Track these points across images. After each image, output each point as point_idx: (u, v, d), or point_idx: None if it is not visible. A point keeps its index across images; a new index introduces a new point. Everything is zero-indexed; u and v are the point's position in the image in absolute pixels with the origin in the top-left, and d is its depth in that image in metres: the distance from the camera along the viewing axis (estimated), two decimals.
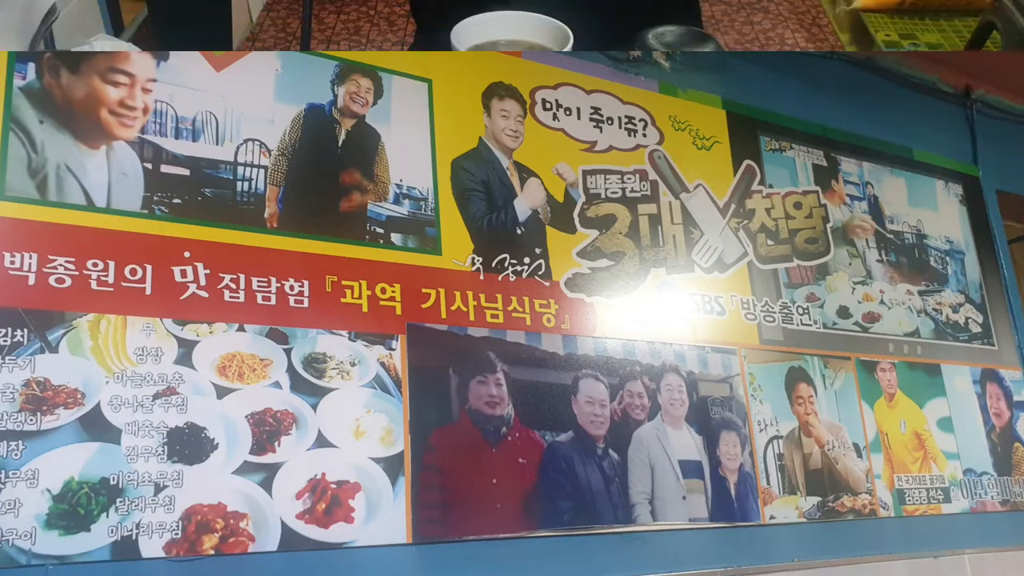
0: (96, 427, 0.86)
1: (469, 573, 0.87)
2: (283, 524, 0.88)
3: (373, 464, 0.96)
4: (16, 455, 0.82)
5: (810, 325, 1.36)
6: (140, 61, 1.01)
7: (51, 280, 0.89)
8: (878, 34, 3.57)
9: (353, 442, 0.96)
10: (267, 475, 0.91)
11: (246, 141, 1.07)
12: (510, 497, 1.02)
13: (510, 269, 1.15)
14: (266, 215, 1.04)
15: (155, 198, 0.98)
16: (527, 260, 1.17)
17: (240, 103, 1.07)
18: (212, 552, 0.84)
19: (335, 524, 0.90)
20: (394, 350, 1.03)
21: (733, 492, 1.17)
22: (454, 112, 1.25)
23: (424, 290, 1.08)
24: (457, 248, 1.14)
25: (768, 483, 1.21)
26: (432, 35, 1.69)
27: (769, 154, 1.48)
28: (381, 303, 1.05)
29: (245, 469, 0.90)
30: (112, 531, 0.83)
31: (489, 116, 1.27)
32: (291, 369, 0.97)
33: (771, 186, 1.45)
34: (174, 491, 0.87)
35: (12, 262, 0.88)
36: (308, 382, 0.97)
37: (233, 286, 0.97)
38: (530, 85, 1.31)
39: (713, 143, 1.42)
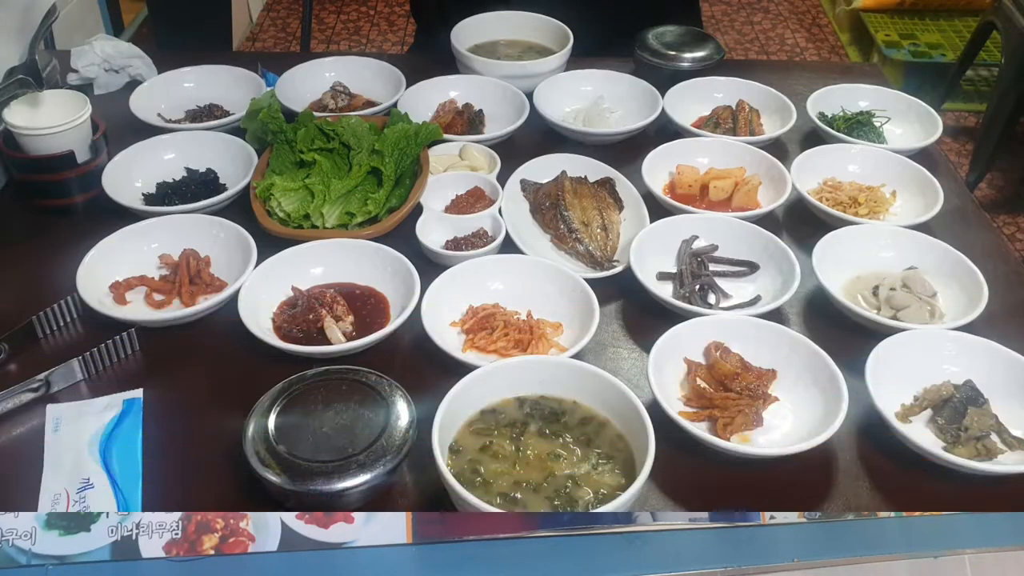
0: None
1: (469, 573, 0.87)
2: (283, 524, 0.88)
3: None
4: None
5: None
6: None
7: None
8: (878, 34, 3.57)
9: None
10: None
11: None
12: None
13: None
14: None
15: None
16: None
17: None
18: (212, 552, 0.84)
19: (335, 524, 0.90)
20: None
21: None
22: None
23: None
24: None
25: None
26: (432, 35, 1.69)
27: None
28: None
29: None
30: (112, 531, 0.83)
31: None
32: None
33: None
34: None
35: None
36: None
37: None
38: None
39: None
